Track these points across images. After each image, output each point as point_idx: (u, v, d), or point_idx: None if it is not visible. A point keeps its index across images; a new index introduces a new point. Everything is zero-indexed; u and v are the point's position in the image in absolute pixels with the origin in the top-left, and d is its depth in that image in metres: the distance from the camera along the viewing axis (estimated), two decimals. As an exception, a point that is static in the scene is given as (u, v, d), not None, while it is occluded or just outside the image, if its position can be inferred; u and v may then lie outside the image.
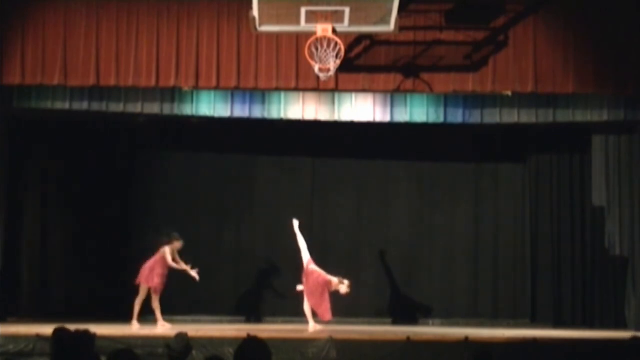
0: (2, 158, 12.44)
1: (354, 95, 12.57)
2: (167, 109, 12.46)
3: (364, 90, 12.04)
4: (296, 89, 11.99)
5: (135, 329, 11.97)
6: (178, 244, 12.53)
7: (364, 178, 14.81)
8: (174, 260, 12.45)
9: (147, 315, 12.73)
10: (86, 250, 13.88)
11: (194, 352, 9.44)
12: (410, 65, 11.71)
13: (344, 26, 10.62)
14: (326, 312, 12.23)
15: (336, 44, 10.55)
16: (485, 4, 11.76)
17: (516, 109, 12.59)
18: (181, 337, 6.25)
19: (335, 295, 12.40)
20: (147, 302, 12.50)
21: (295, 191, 14.70)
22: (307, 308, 12.45)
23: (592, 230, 13.89)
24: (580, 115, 12.61)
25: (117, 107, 12.33)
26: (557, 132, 13.75)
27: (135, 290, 12.63)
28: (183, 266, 12.47)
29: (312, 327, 12.23)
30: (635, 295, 12.85)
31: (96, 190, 14.04)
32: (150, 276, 12.37)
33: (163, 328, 12.08)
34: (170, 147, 14.54)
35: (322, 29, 10.50)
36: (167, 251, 12.43)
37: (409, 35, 11.62)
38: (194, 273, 12.48)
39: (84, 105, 12.28)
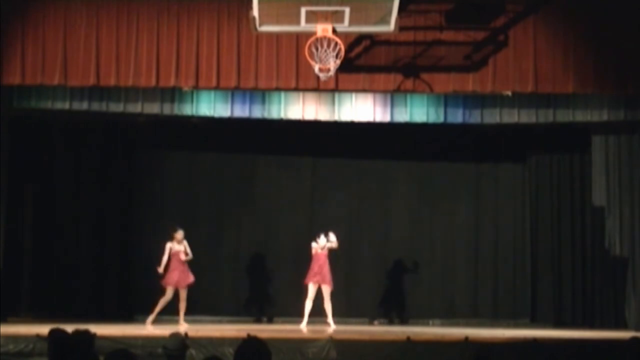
0: (2, 158, 12.44)
1: (354, 95, 12.58)
2: (167, 109, 12.47)
3: (364, 90, 12.03)
4: (296, 89, 11.99)
5: (150, 328, 12.01)
6: (178, 235, 12.59)
7: (364, 178, 14.82)
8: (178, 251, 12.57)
9: (148, 315, 12.72)
10: (86, 250, 13.87)
11: (193, 352, 9.47)
12: (410, 65, 11.70)
13: (344, 26, 10.61)
14: None
15: (336, 44, 10.55)
16: (485, 4, 11.76)
17: (516, 109, 12.60)
18: (176, 336, 6.26)
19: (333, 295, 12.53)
20: (147, 300, 12.54)
21: (295, 191, 14.71)
22: (307, 307, 12.65)
23: (592, 230, 13.89)
24: (580, 115, 12.62)
25: (117, 107, 12.34)
26: (557, 132, 13.76)
27: (135, 290, 12.65)
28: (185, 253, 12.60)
29: (305, 327, 12.38)
30: (635, 295, 12.85)
31: (96, 190, 14.03)
32: (169, 276, 12.54)
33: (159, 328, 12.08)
34: (170, 147, 14.53)
35: (322, 29, 10.50)
36: (167, 246, 12.55)
37: (409, 35, 11.62)
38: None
39: (84, 105, 12.29)
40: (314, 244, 12.87)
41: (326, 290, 12.74)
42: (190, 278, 12.63)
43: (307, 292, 12.79)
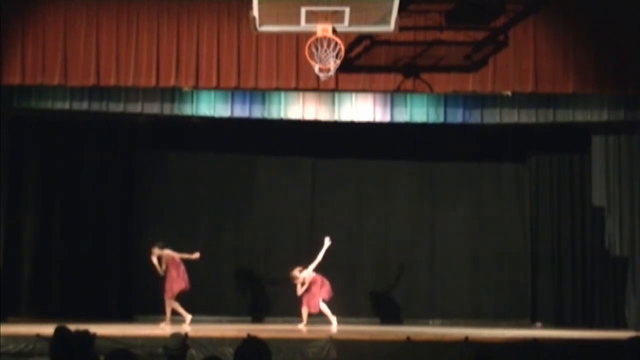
0: (2, 158, 12.44)
1: (354, 95, 12.58)
2: (167, 109, 12.47)
3: (364, 90, 12.04)
4: (296, 89, 11.99)
5: (187, 328, 12.01)
6: (156, 251, 12.81)
7: (364, 178, 14.81)
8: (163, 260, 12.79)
9: (148, 315, 12.72)
10: (86, 250, 13.87)
11: (193, 352, 9.47)
12: (410, 65, 11.71)
13: (344, 26, 10.61)
14: None
15: (336, 44, 10.55)
16: (485, 4, 11.76)
17: (516, 109, 12.61)
18: (177, 336, 6.28)
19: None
20: (147, 300, 12.57)
21: (295, 191, 14.70)
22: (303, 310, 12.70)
23: (592, 230, 13.89)
24: (580, 115, 12.62)
25: (117, 107, 12.35)
26: (557, 132, 13.75)
27: (135, 290, 12.62)
28: (181, 255, 12.81)
29: (304, 327, 12.44)
30: (635, 295, 12.85)
31: (96, 190, 14.03)
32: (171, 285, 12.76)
33: (164, 329, 12.08)
34: (170, 147, 14.53)
35: (322, 29, 10.50)
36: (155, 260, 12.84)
37: (409, 35, 11.62)
38: (194, 256, 12.82)
39: (84, 105, 12.30)
40: (302, 274, 12.97)
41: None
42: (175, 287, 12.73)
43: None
